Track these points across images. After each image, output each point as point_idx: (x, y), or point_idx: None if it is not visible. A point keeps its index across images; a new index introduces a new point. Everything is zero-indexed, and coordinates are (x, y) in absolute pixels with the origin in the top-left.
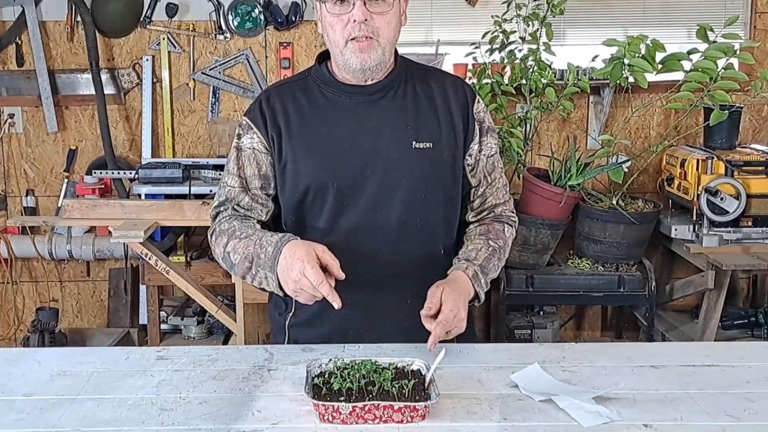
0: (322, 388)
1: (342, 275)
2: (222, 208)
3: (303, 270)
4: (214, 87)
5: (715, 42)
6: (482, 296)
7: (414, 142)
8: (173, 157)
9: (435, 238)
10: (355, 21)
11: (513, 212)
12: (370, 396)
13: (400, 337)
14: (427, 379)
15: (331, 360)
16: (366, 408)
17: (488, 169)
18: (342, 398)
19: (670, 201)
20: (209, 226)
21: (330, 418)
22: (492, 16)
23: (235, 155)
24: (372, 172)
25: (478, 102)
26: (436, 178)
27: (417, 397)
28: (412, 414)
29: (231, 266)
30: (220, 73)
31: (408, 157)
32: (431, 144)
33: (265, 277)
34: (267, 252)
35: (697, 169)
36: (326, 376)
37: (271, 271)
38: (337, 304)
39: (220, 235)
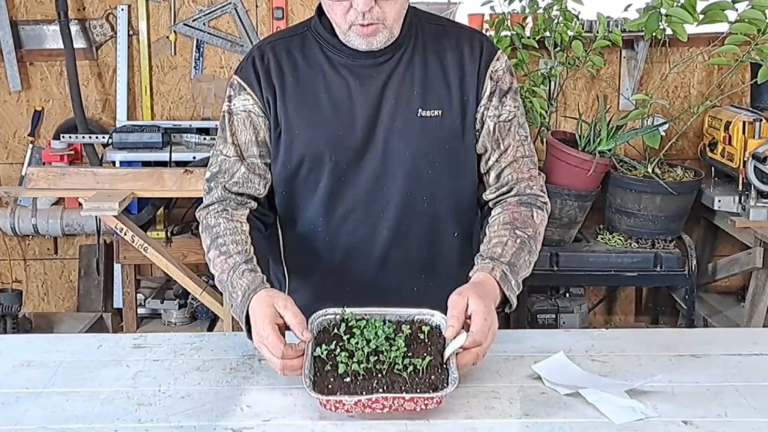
0: (326, 363)
1: (305, 337)
2: (213, 184)
3: (261, 338)
4: (197, 40)
5: None
6: (514, 301)
7: (420, 110)
8: (152, 119)
9: (444, 219)
10: (357, 9)
11: (543, 191)
12: (379, 377)
13: None
14: (446, 356)
15: (337, 314)
16: (373, 398)
17: (501, 134)
18: (347, 379)
19: (713, 169)
20: (202, 200)
21: (333, 408)
22: None
23: (228, 120)
24: (373, 144)
25: (498, 60)
26: (445, 150)
27: (432, 377)
28: (426, 402)
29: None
30: (204, 24)
31: (412, 126)
32: (440, 111)
33: (238, 318)
34: (237, 297)
35: (744, 132)
36: (329, 341)
37: (240, 321)
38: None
39: (206, 230)
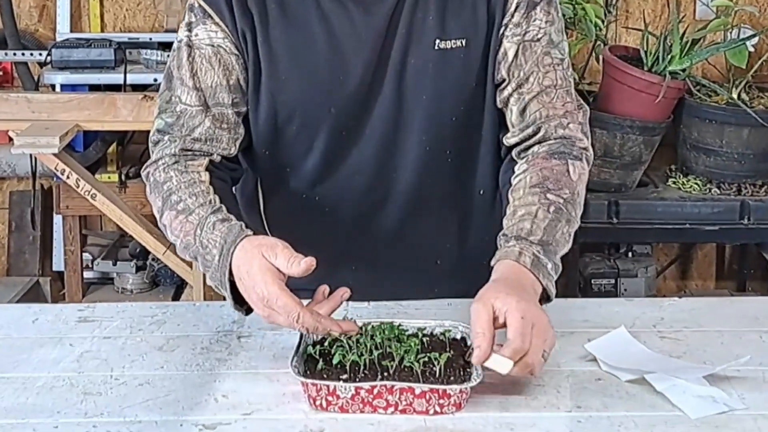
0: (318, 361)
1: (302, 268)
2: (167, 138)
3: (268, 302)
4: None
5: None
6: (553, 291)
7: (438, 41)
8: (101, 31)
9: (473, 175)
10: None
11: (584, 133)
12: (385, 375)
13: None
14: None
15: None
16: (375, 391)
17: (524, 57)
18: (344, 376)
19: None
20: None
21: (324, 404)
22: None
23: (187, 55)
24: (382, 88)
25: None
26: (472, 89)
27: (452, 378)
28: (441, 401)
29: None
30: None
31: (429, 61)
32: (463, 41)
33: (217, 287)
34: (213, 258)
35: None
36: (327, 344)
37: (222, 287)
38: (338, 332)
39: (154, 190)
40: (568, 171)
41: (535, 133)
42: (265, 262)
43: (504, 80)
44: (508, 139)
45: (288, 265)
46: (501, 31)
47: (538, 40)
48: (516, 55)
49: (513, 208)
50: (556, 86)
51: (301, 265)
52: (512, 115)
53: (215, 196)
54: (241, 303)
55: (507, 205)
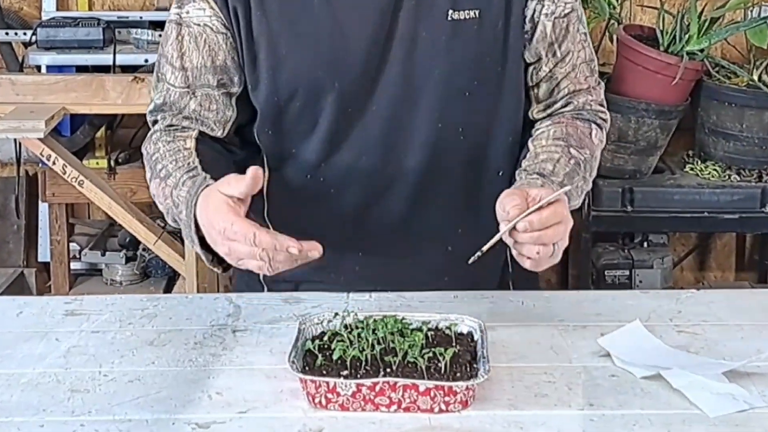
0: (317, 356)
1: (259, 174)
2: (160, 116)
3: (226, 234)
4: None
5: None
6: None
7: (450, 11)
8: (89, 10)
9: (487, 155)
10: None
11: (603, 106)
12: (387, 371)
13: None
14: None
15: (337, 315)
16: (377, 388)
17: (556, 37)
18: (344, 373)
19: None
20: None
21: (323, 401)
22: None
23: (176, 33)
24: (389, 62)
25: None
26: (485, 63)
27: (458, 374)
28: (446, 399)
29: None
30: None
31: (441, 34)
32: (476, 12)
33: (191, 245)
34: (182, 213)
35: None
36: (327, 338)
37: (192, 243)
38: (296, 248)
39: (146, 163)
40: (591, 134)
41: (563, 107)
42: (220, 196)
43: (539, 59)
44: (535, 114)
45: (237, 184)
46: (533, 7)
47: (567, 15)
48: (550, 33)
49: (534, 153)
50: (583, 62)
51: (247, 178)
52: (540, 92)
53: (196, 159)
54: (219, 261)
55: (527, 151)
